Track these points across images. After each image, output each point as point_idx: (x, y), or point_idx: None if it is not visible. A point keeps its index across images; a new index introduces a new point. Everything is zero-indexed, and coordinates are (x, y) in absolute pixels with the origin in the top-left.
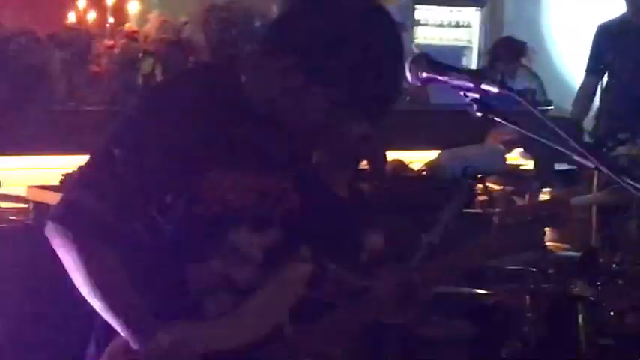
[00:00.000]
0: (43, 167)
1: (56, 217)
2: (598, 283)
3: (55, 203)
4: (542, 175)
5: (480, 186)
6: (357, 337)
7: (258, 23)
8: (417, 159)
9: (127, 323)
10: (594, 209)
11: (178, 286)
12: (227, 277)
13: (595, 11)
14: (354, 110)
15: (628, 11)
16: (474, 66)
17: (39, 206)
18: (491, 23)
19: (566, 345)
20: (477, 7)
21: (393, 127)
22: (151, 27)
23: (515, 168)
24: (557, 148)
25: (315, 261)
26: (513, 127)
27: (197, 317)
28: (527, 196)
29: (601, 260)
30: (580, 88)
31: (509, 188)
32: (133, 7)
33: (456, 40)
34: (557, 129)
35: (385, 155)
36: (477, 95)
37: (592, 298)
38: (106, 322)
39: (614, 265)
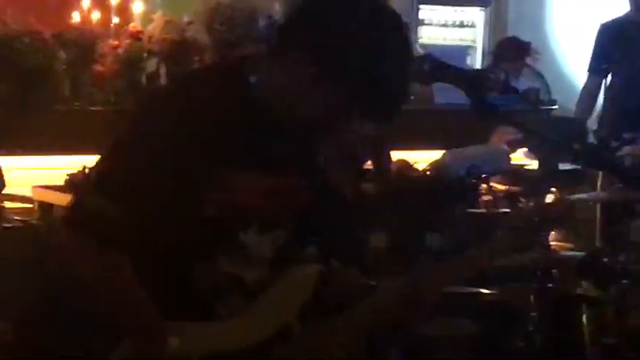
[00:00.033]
0: (48, 167)
1: (74, 223)
2: (602, 283)
3: (64, 205)
4: (547, 174)
5: (485, 186)
6: (363, 337)
7: (262, 23)
8: (422, 159)
9: (143, 338)
10: (599, 209)
11: (188, 286)
12: (236, 278)
13: (599, 11)
14: (363, 110)
15: (631, 10)
16: (478, 66)
17: (43, 206)
18: (496, 23)
19: (570, 345)
20: (482, 6)
21: (397, 127)
22: (155, 27)
23: (520, 168)
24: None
25: (322, 261)
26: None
27: (206, 318)
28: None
29: (605, 260)
30: (583, 88)
31: (513, 188)
32: (138, 7)
33: (460, 39)
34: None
35: (390, 155)
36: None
37: (596, 298)
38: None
39: (618, 266)
